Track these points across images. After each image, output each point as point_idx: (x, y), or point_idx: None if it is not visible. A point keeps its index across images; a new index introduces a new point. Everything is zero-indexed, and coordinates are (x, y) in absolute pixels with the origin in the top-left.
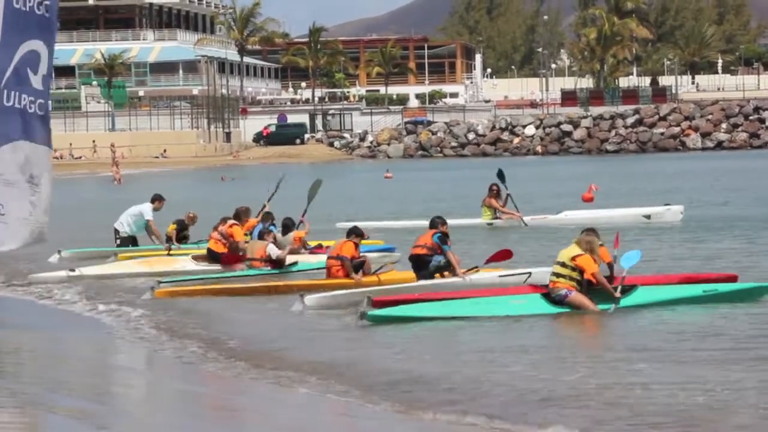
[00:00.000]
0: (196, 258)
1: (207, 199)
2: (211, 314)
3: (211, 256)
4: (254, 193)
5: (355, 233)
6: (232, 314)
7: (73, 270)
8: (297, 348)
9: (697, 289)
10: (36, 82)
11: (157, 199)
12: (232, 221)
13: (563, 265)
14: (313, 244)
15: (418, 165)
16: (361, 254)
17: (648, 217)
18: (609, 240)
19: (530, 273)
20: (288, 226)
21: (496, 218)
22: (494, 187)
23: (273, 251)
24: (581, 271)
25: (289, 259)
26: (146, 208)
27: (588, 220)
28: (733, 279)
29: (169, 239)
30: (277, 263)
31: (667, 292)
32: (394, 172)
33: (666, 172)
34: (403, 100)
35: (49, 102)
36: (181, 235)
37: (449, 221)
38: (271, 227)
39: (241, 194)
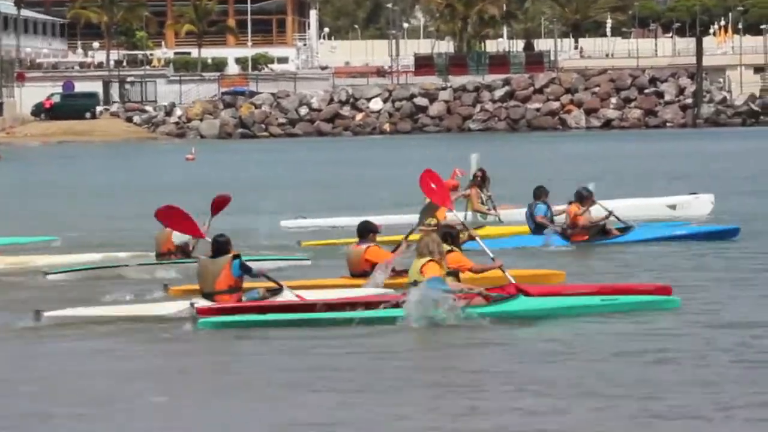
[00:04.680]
0: None
1: None
2: None
3: None
4: (33, 176)
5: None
6: None
7: None
8: None
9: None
10: None
11: None
12: None
13: (415, 284)
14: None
15: (235, 146)
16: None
17: (673, 207)
18: None
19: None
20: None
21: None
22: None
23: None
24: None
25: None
26: None
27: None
28: (666, 291)
29: None
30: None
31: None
32: (203, 155)
33: (556, 156)
34: (220, 65)
35: None
36: None
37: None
38: (540, 205)
39: (15, 179)
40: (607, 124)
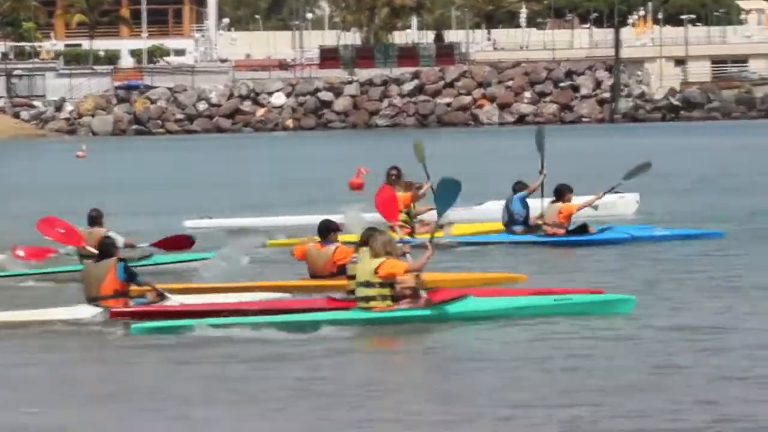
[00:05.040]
0: None
1: None
2: None
3: None
4: None
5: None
6: None
7: None
8: None
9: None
10: None
11: None
12: None
13: (368, 284)
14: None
15: (130, 143)
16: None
17: (595, 207)
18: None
19: None
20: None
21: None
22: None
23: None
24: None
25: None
26: None
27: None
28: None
29: None
30: None
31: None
32: (95, 153)
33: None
34: (113, 58)
35: None
36: None
37: None
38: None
39: None
40: (521, 119)
